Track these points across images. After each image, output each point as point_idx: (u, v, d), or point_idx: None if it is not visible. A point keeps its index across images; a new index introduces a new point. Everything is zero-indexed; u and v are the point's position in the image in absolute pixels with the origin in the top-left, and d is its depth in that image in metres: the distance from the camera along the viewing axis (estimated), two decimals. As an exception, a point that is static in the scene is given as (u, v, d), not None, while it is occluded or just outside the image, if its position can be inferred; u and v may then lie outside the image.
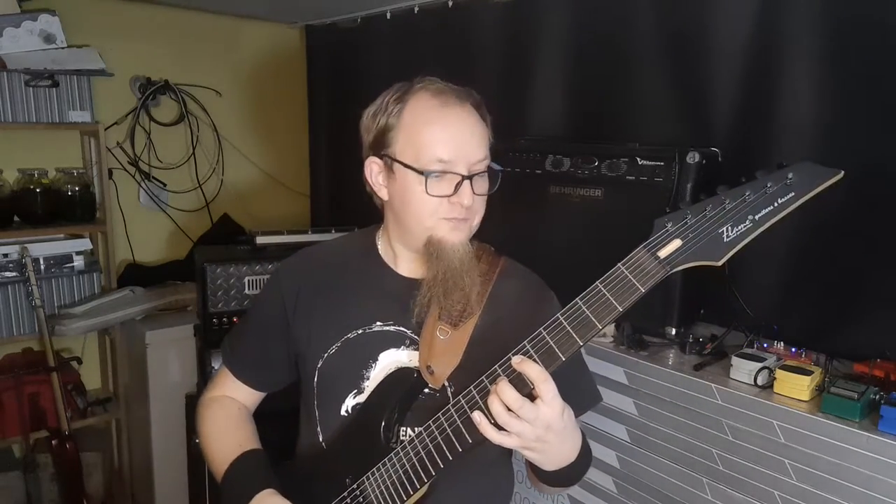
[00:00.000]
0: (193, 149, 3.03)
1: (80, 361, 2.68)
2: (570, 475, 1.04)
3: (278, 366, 1.23)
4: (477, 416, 0.92)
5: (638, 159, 1.61)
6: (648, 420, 1.49)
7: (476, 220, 1.11)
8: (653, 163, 1.58)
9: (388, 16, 2.64)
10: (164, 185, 2.98)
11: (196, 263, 2.29)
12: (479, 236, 1.18)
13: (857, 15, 1.44)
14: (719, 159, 1.62)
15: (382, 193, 1.13)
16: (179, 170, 3.02)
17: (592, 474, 1.61)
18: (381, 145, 1.09)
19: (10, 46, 2.34)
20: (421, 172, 1.04)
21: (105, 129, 2.62)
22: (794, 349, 1.44)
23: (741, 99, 1.66)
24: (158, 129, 2.93)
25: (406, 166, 1.05)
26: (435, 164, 1.03)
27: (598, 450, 1.60)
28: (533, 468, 1.04)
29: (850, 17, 1.45)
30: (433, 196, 1.04)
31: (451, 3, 2.37)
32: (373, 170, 1.12)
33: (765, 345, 1.47)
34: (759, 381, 1.34)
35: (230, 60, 3.10)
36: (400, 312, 1.12)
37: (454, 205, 1.05)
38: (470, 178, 1.04)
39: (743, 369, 1.37)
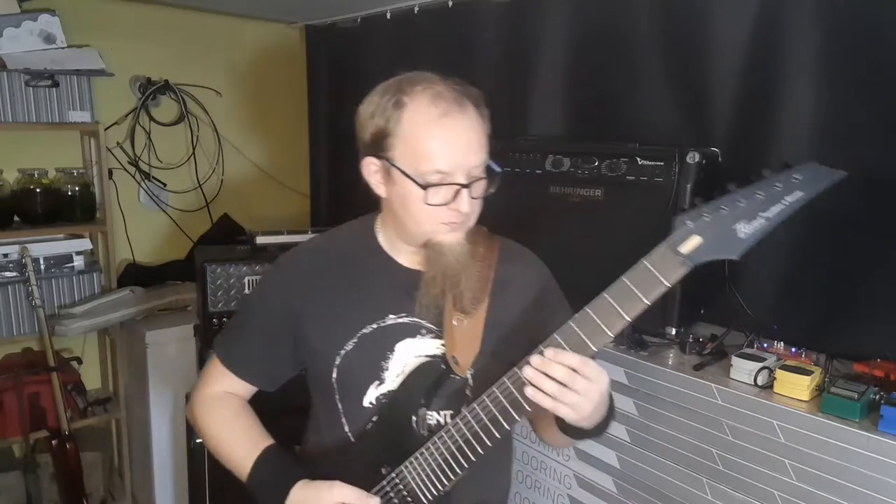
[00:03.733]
0: (193, 149, 3.03)
1: (80, 361, 2.68)
2: (603, 427, 1.10)
3: (283, 362, 1.23)
4: (534, 393, 0.95)
5: (638, 159, 1.61)
6: (648, 420, 1.49)
7: (473, 220, 1.13)
8: (653, 163, 1.58)
9: (388, 16, 2.64)
10: (164, 185, 2.98)
11: (196, 263, 2.29)
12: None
13: (857, 14, 1.44)
14: (719, 159, 1.62)
15: (380, 191, 1.13)
16: (179, 170, 3.01)
17: (592, 474, 1.62)
18: (379, 148, 1.08)
19: (10, 46, 2.34)
20: (422, 186, 1.04)
21: (105, 129, 2.62)
22: (794, 349, 1.43)
23: (741, 99, 1.66)
24: (158, 129, 2.93)
25: (406, 175, 1.06)
26: (434, 176, 1.04)
27: (598, 450, 1.60)
28: (564, 428, 1.07)
29: (851, 17, 1.45)
30: (432, 206, 1.06)
31: (451, 3, 2.37)
32: (370, 169, 1.12)
33: (765, 345, 1.47)
34: (759, 381, 1.34)
35: (230, 60, 3.10)
36: (410, 303, 1.14)
37: (452, 211, 1.06)
38: (468, 185, 1.05)
39: (743, 369, 1.37)
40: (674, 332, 1.60)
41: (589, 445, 1.62)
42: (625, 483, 1.55)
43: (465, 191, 1.05)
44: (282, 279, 1.23)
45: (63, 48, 2.44)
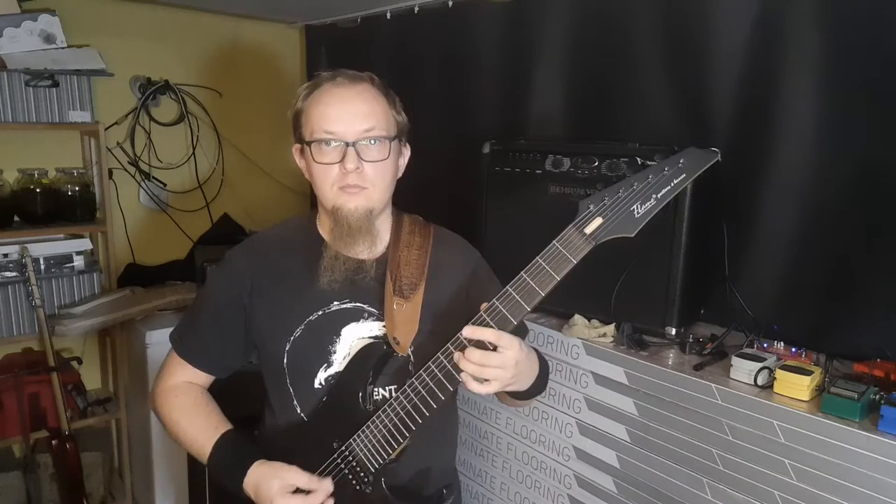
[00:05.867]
0: (193, 149, 3.03)
1: (80, 361, 2.68)
2: (542, 384, 1.20)
3: (235, 351, 1.30)
4: (464, 376, 1.05)
5: (638, 159, 1.61)
6: (648, 420, 1.49)
7: (377, 192, 1.19)
8: (653, 163, 1.58)
9: (388, 16, 2.64)
10: (164, 185, 2.98)
11: (196, 263, 2.30)
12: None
13: (857, 13, 1.44)
14: (719, 159, 1.62)
15: (307, 176, 1.24)
16: (179, 170, 3.02)
17: (592, 474, 1.62)
18: (296, 130, 1.23)
19: (10, 46, 2.34)
20: (309, 143, 1.17)
21: (105, 129, 2.62)
22: (794, 349, 1.43)
23: (741, 98, 1.66)
24: (158, 129, 2.93)
25: (305, 143, 1.19)
26: (322, 135, 1.16)
27: (598, 450, 1.60)
28: (510, 394, 1.18)
29: (851, 16, 1.45)
30: (322, 164, 1.16)
31: (451, 3, 2.37)
32: (297, 154, 1.26)
33: (765, 345, 1.47)
34: (759, 381, 1.34)
35: (230, 60, 3.10)
36: (353, 290, 1.23)
37: (345, 173, 1.15)
38: (353, 144, 1.14)
39: (743, 369, 1.37)
40: (674, 332, 1.60)
41: (589, 445, 1.62)
42: (625, 483, 1.55)
43: (350, 149, 1.14)
44: (229, 273, 1.29)
45: (63, 48, 2.44)
